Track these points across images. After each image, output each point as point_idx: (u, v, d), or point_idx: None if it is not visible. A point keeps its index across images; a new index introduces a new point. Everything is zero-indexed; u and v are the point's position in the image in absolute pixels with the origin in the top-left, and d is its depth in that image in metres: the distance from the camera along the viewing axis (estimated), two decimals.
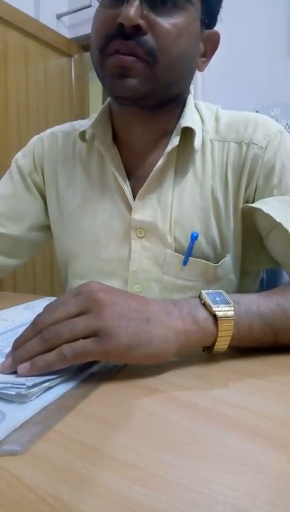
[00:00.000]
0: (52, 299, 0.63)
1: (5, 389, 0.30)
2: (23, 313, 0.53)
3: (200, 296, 0.39)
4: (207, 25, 0.54)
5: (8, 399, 0.29)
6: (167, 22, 0.48)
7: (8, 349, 0.36)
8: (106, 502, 0.20)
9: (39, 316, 0.35)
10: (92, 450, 0.24)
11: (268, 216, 0.51)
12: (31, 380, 0.30)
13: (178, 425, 0.27)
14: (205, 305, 0.37)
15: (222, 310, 0.37)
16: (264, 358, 0.39)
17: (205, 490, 0.21)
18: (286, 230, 0.51)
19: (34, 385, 0.30)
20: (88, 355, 0.32)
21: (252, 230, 0.58)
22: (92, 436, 0.26)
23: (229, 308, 0.37)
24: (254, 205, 0.54)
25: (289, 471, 0.23)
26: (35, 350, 0.33)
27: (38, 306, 0.57)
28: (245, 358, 0.38)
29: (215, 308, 0.37)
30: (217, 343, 0.37)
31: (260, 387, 0.33)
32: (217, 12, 0.56)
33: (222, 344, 0.37)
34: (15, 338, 0.39)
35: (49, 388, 0.31)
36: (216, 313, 0.36)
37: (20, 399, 0.29)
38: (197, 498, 0.20)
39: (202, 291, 0.38)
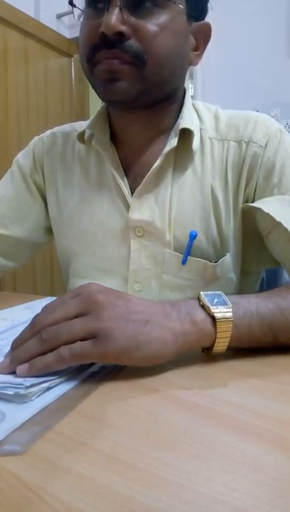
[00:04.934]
0: (53, 298, 0.63)
1: (3, 389, 0.30)
2: (24, 313, 0.53)
3: (198, 298, 0.39)
4: (195, 18, 0.53)
5: (7, 399, 0.29)
6: (150, 23, 0.48)
7: (8, 348, 0.36)
8: (106, 502, 0.20)
9: (38, 316, 0.35)
10: (91, 450, 0.24)
11: (268, 216, 0.51)
12: (29, 381, 0.30)
13: (178, 425, 0.27)
14: (203, 306, 0.37)
15: (220, 311, 0.37)
16: (264, 357, 0.39)
17: (204, 490, 0.21)
18: (286, 230, 0.51)
19: (32, 385, 0.30)
20: (86, 357, 0.32)
21: (252, 230, 0.58)
22: (92, 437, 0.26)
23: (228, 310, 0.37)
24: (254, 204, 0.54)
25: (289, 471, 0.23)
26: (33, 350, 0.33)
27: (39, 305, 0.57)
28: (245, 358, 0.38)
29: (213, 309, 0.36)
30: (215, 345, 0.37)
31: (260, 387, 0.33)
32: (206, 2, 0.55)
33: (221, 345, 0.37)
34: (14, 337, 0.39)
35: (49, 388, 0.31)
36: (214, 314, 0.36)
37: (19, 399, 0.29)
38: (197, 498, 0.20)
39: (201, 293, 0.38)
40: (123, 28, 0.46)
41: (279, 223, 0.51)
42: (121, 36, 0.47)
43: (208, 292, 0.39)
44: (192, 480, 0.22)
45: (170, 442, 0.25)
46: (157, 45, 0.48)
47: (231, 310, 0.37)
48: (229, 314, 0.37)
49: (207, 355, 0.38)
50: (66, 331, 0.33)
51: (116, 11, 0.46)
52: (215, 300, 0.38)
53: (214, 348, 0.37)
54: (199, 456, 0.24)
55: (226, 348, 0.37)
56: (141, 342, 0.33)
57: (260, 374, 0.35)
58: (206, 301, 0.37)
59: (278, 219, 0.51)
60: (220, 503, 0.20)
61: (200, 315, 0.37)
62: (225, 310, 0.37)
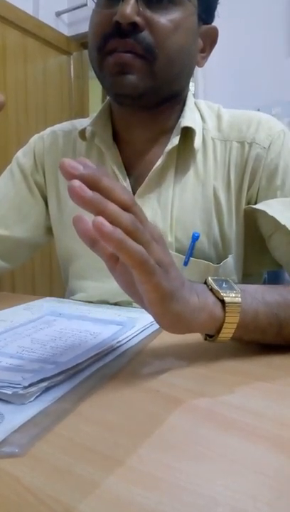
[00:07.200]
0: (52, 299, 0.62)
1: (1, 388, 0.29)
2: (23, 314, 0.52)
3: (205, 282, 0.38)
4: (204, 21, 0.54)
5: (6, 399, 0.29)
6: (163, 18, 0.48)
7: (8, 349, 0.36)
8: (106, 504, 0.20)
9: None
10: (91, 452, 0.24)
11: (272, 219, 0.51)
12: (28, 380, 0.30)
13: (179, 427, 0.27)
14: (212, 290, 0.37)
15: (229, 296, 0.36)
16: (264, 358, 0.39)
17: (205, 491, 0.21)
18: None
19: (31, 385, 0.30)
20: (144, 261, 0.29)
21: (254, 231, 0.57)
22: (91, 438, 0.26)
23: (237, 295, 0.37)
24: (257, 206, 0.54)
25: (289, 472, 0.22)
26: (124, 221, 0.30)
27: (38, 306, 0.57)
28: (245, 360, 0.38)
29: (222, 293, 0.36)
30: (222, 330, 0.36)
31: (260, 389, 0.33)
32: (215, 7, 0.56)
33: (227, 331, 0.36)
34: (14, 337, 0.39)
35: (48, 390, 0.31)
36: (224, 298, 0.36)
37: (17, 399, 0.29)
38: (197, 499, 0.20)
39: (209, 278, 0.38)
40: (137, 18, 0.47)
41: (284, 226, 0.50)
42: (134, 27, 0.47)
43: (215, 277, 0.38)
44: (192, 481, 0.22)
45: (171, 444, 0.25)
46: (169, 40, 0.49)
47: (239, 295, 0.37)
48: (238, 299, 0.36)
49: (210, 342, 0.38)
50: (152, 242, 0.31)
51: (132, 1, 0.46)
52: (223, 285, 0.37)
53: (220, 334, 0.36)
54: (199, 458, 0.24)
55: (231, 335, 0.37)
56: (179, 297, 0.33)
57: (260, 375, 0.35)
58: (215, 286, 0.37)
59: (283, 222, 0.50)
60: (221, 505, 0.20)
61: (211, 298, 0.36)
62: (234, 295, 0.36)
